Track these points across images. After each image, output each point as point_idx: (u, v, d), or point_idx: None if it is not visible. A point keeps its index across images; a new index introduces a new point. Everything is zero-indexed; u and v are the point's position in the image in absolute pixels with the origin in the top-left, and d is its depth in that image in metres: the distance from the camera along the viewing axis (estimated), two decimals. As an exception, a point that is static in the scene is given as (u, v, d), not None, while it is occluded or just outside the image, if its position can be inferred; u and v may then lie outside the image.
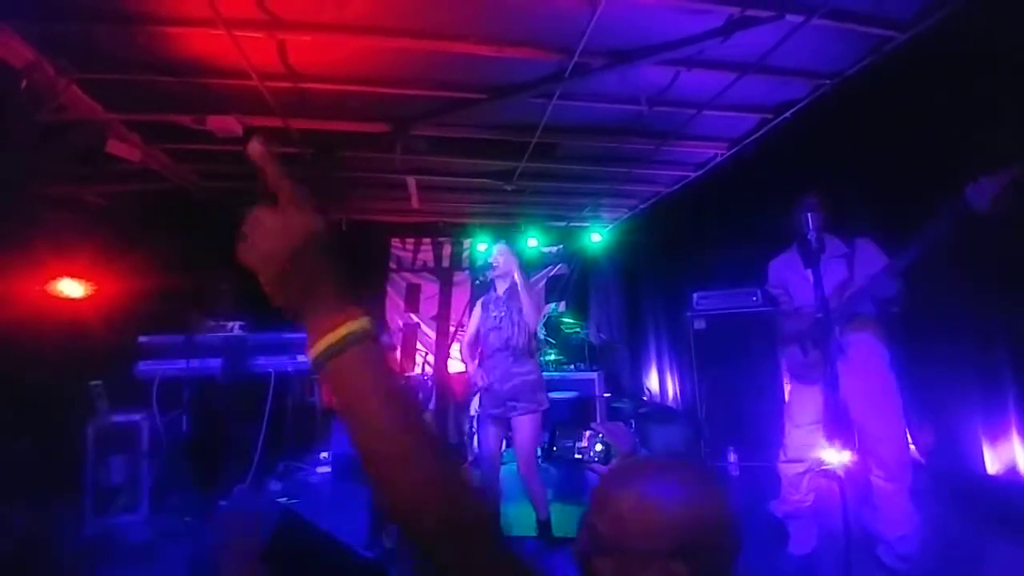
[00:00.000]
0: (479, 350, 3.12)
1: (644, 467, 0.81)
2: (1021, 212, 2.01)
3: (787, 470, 2.73)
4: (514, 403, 2.88)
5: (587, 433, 1.16)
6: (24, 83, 2.76)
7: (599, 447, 1.14)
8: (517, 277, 2.95)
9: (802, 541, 2.71)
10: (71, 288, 3.43)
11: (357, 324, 0.61)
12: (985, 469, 2.81)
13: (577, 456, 1.16)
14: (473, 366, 3.14)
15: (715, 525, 0.73)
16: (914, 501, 2.51)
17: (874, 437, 2.44)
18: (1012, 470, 2.74)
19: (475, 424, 4.64)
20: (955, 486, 2.97)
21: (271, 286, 0.63)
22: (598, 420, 4.99)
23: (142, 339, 3.61)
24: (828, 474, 2.55)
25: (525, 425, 2.88)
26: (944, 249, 2.21)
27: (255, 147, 0.63)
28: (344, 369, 0.60)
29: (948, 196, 2.12)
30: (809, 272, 2.54)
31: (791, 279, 2.80)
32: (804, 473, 2.66)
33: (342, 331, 0.60)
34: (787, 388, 2.89)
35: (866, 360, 2.48)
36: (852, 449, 2.34)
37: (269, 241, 0.61)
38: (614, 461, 1.10)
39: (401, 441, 0.58)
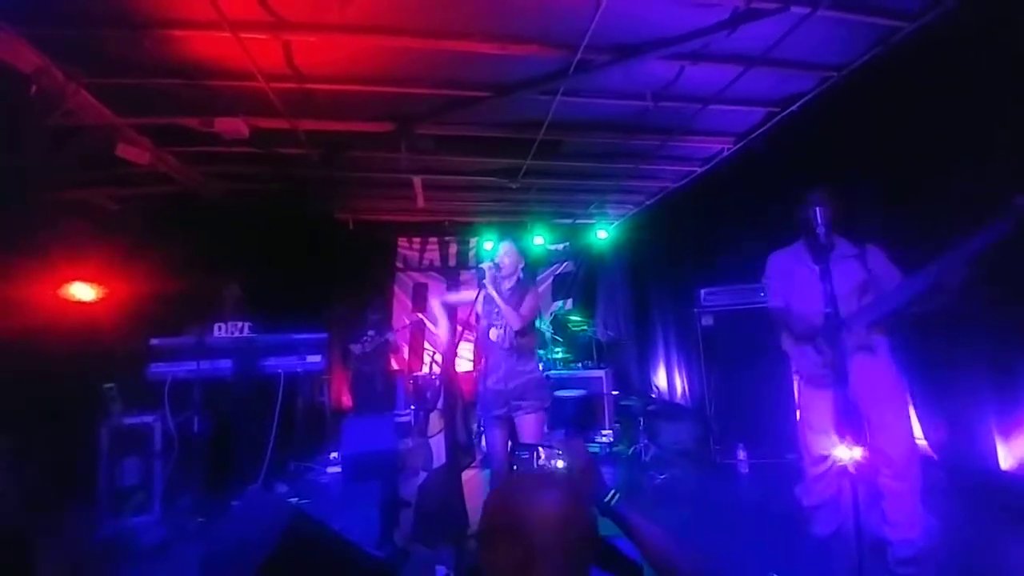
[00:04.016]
0: (481, 348, 3.10)
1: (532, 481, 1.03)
2: None
3: (810, 471, 2.69)
4: (519, 402, 2.86)
5: (545, 450, 1.21)
6: (33, 88, 2.80)
7: (560, 464, 1.17)
8: (493, 291, 2.89)
9: (825, 523, 2.70)
10: (84, 292, 3.47)
11: None
12: (998, 464, 2.79)
13: None
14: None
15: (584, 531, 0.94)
16: (924, 503, 2.44)
17: (882, 435, 2.41)
18: (1025, 465, 2.71)
19: (482, 423, 4.64)
20: (968, 482, 2.94)
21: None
22: (607, 418, 4.98)
23: (154, 341, 3.64)
24: (844, 472, 2.54)
25: (530, 423, 2.86)
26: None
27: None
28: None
29: (993, 203, 2.06)
30: (817, 268, 2.45)
31: (796, 273, 2.67)
32: (827, 471, 2.63)
33: None
34: (798, 391, 2.79)
35: (875, 358, 2.44)
36: (864, 447, 2.30)
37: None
38: (574, 475, 1.16)
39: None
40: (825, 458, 2.61)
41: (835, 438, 2.51)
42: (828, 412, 2.56)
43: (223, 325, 3.82)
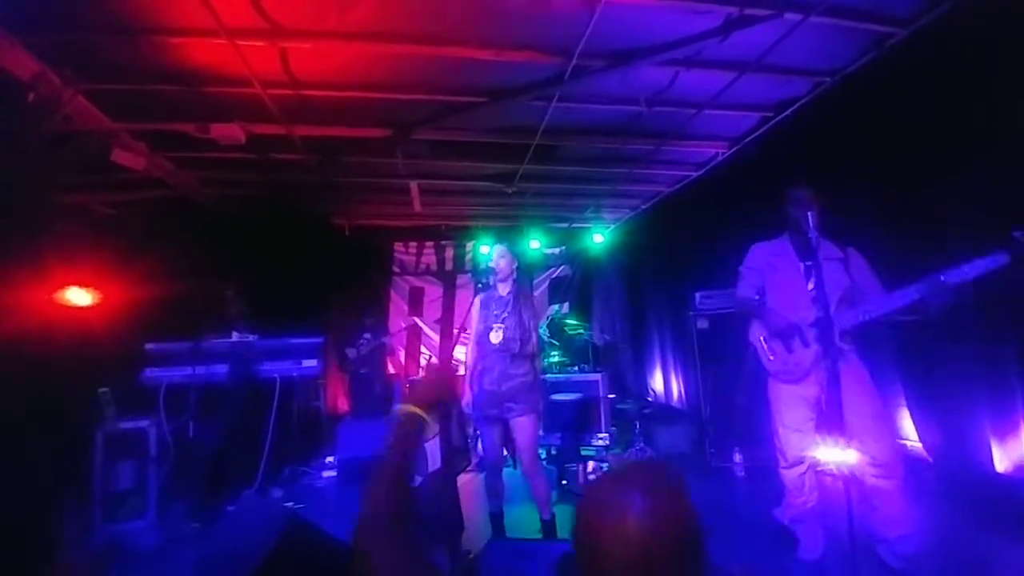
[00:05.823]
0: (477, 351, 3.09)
1: (615, 478, 0.78)
2: None
3: (789, 474, 2.67)
4: (512, 404, 2.88)
5: (591, 465, 1.18)
6: (31, 96, 2.80)
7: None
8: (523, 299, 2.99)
9: (811, 546, 2.65)
10: (79, 296, 3.46)
11: None
12: (993, 467, 2.80)
13: None
14: (470, 372, 3.10)
15: (680, 540, 0.69)
16: (911, 498, 2.47)
17: (864, 435, 2.40)
18: (1020, 468, 2.72)
19: (477, 424, 4.63)
20: (963, 484, 2.95)
21: None
22: (603, 422, 4.98)
23: (149, 346, 3.64)
24: (829, 473, 2.52)
25: (524, 426, 2.88)
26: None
27: None
28: None
29: (991, 237, 2.06)
30: (801, 265, 2.57)
31: (779, 268, 2.68)
32: (804, 473, 2.63)
33: None
34: (770, 387, 2.74)
35: (848, 362, 2.45)
36: (848, 447, 2.30)
37: None
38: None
39: None
40: (802, 460, 2.61)
41: (814, 436, 2.56)
42: (802, 407, 2.58)
43: (236, 331, 3.83)
